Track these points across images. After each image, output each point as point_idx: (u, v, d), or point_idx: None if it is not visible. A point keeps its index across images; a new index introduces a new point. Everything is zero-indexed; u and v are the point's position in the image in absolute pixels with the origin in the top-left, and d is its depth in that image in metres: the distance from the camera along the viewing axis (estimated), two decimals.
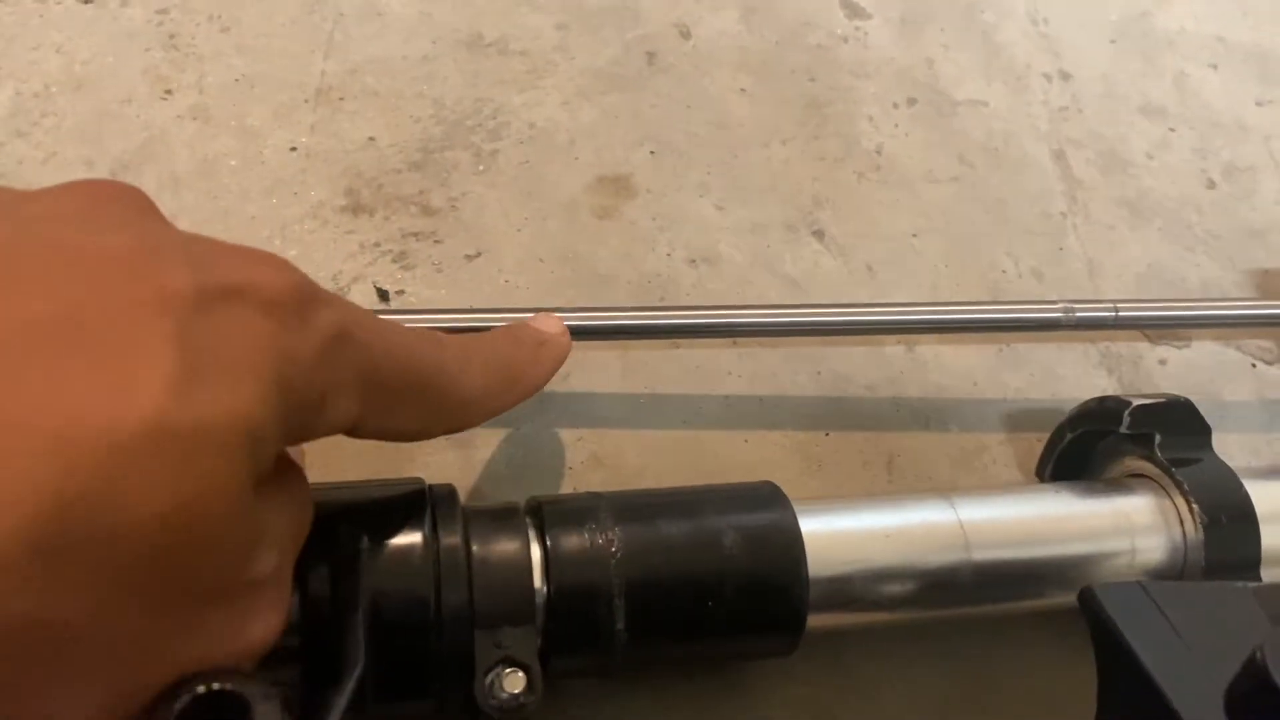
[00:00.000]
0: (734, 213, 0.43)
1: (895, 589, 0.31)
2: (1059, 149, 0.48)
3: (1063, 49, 0.51)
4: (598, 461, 0.36)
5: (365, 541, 0.27)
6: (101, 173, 0.38)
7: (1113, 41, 0.52)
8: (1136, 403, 0.34)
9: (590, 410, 0.37)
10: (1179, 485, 0.33)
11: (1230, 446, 0.41)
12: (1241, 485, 0.34)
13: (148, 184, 0.38)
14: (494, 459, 0.36)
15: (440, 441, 0.35)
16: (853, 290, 0.42)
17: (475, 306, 0.38)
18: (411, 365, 0.26)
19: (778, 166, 0.44)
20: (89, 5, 0.42)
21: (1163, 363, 0.43)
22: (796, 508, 0.31)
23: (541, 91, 0.44)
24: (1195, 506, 0.33)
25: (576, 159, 0.43)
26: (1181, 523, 0.33)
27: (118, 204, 0.22)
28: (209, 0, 0.43)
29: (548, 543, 0.29)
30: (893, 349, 0.41)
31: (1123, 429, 0.34)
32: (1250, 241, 0.47)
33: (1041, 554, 0.32)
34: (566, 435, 0.37)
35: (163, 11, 0.42)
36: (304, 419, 0.22)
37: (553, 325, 0.32)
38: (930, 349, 0.41)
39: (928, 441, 0.39)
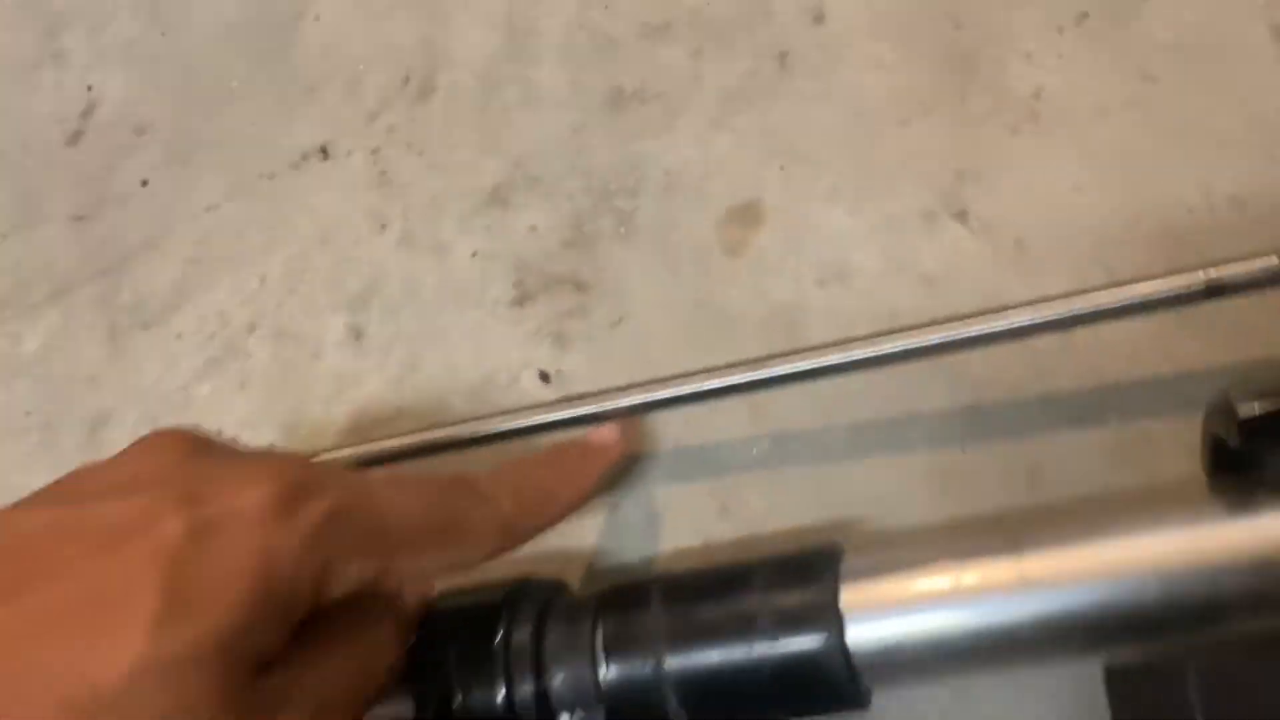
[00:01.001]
0: (867, 214, 0.41)
1: (947, 648, 0.31)
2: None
3: None
4: (725, 511, 0.39)
5: (450, 653, 0.34)
6: (340, 314, 0.48)
7: None
8: (1243, 413, 0.29)
9: (718, 459, 0.40)
10: None
11: None
12: None
13: (372, 316, 0.47)
14: (630, 521, 0.40)
15: (590, 509, 0.40)
16: (999, 276, 0.39)
17: (620, 382, 0.42)
18: (424, 516, 0.30)
19: (917, 144, 0.42)
20: (327, 162, 0.52)
21: None
22: (848, 568, 0.32)
23: (676, 133, 0.46)
24: None
25: (707, 196, 0.44)
26: None
27: (160, 453, 0.29)
28: (405, 129, 0.51)
29: (603, 632, 0.33)
30: (1044, 339, 0.37)
31: (1232, 444, 0.29)
32: None
33: (1118, 596, 0.29)
34: (696, 489, 0.40)
35: (375, 151, 0.51)
36: (309, 592, 0.27)
37: (605, 435, 0.35)
38: (1089, 329, 0.37)
39: (1078, 440, 0.36)
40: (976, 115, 0.41)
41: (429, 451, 0.41)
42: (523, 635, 0.33)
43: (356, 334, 0.47)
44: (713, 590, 0.33)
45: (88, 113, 0.58)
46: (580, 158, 0.47)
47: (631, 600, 0.33)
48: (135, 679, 0.23)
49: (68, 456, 0.49)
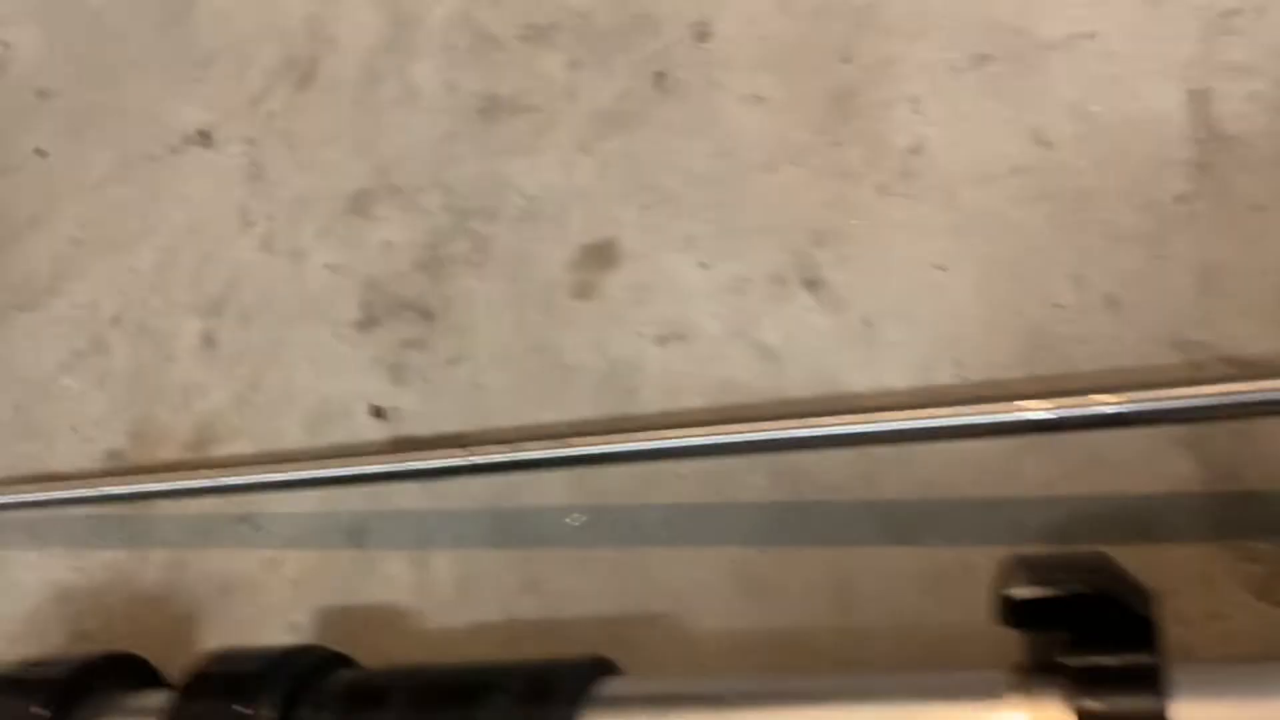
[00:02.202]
0: (718, 269, 0.37)
1: None
2: (1204, 87, 0.33)
3: None
4: (531, 586, 0.37)
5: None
6: (197, 317, 0.46)
7: None
8: (1011, 592, 0.25)
9: (531, 529, 0.37)
10: (1074, 708, 0.24)
11: None
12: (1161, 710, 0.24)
13: (225, 322, 0.45)
14: (442, 581, 0.38)
15: (399, 562, 0.38)
16: (842, 357, 0.35)
17: (450, 421, 0.40)
18: None
19: (780, 196, 0.37)
20: (207, 149, 0.49)
21: None
22: (604, 694, 0.29)
23: (542, 153, 0.42)
24: None
25: (564, 228, 0.40)
26: None
27: None
28: (284, 118, 0.48)
29: None
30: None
31: (999, 621, 0.26)
32: None
33: None
34: (508, 557, 0.37)
35: (252, 142, 0.48)
36: None
37: None
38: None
39: (894, 558, 0.32)
40: (847, 167, 0.37)
41: (238, 490, 0.40)
42: (268, 714, 0.32)
43: (209, 341, 0.45)
44: (452, 698, 0.31)
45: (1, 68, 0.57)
46: (446, 169, 0.44)
47: (376, 694, 0.32)
48: None
49: None
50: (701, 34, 0.41)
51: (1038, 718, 0.25)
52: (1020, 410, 0.29)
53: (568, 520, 0.37)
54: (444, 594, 0.38)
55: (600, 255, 0.40)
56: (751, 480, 0.35)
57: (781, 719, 0.28)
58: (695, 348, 0.37)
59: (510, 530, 0.38)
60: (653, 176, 0.40)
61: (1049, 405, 0.28)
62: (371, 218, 0.44)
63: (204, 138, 0.49)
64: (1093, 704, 0.24)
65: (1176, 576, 0.29)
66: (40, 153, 0.53)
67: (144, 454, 0.45)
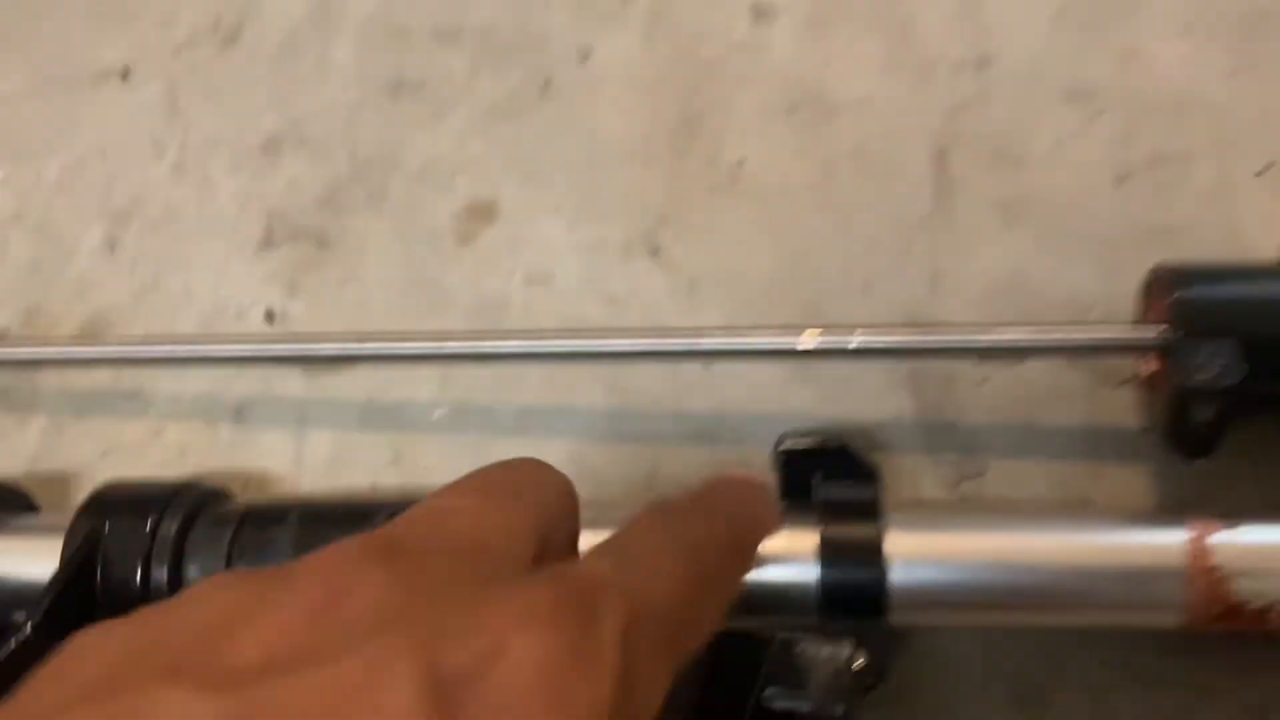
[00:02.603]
0: (578, 234, 0.47)
1: None
2: (943, 147, 0.46)
3: (990, 32, 0.48)
4: (396, 462, 0.44)
5: (104, 529, 0.38)
6: (101, 223, 0.51)
7: (1058, 15, 0.48)
8: (784, 445, 0.36)
9: (402, 417, 0.45)
10: (817, 526, 0.35)
11: (1041, 476, 0.40)
12: (878, 534, 0.34)
13: (129, 231, 0.51)
14: (317, 453, 0.45)
15: (277, 437, 0.45)
16: (669, 305, 0.45)
17: (340, 329, 0.47)
18: (687, 594, 0.23)
19: (634, 186, 0.48)
20: (125, 85, 0.55)
21: (981, 382, 0.42)
22: None
23: (440, 129, 0.51)
24: (822, 550, 0.34)
25: (453, 190, 0.49)
26: (810, 565, 0.35)
27: (348, 596, 0.19)
28: (205, 70, 0.54)
29: (240, 539, 0.38)
30: (690, 366, 0.44)
31: (776, 469, 0.36)
32: (1151, 243, 0.43)
33: None
34: (379, 438, 0.45)
35: (172, 82, 0.54)
36: None
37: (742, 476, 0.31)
38: (726, 365, 0.44)
39: (694, 455, 0.42)
40: (688, 171, 0.48)
41: (127, 362, 0.45)
42: (169, 527, 0.38)
43: (111, 245, 0.51)
44: (342, 518, 0.38)
45: None
46: (352, 131, 0.52)
47: (272, 516, 0.38)
48: None
49: None
50: (584, 56, 0.51)
51: (793, 536, 0.35)
52: (790, 339, 0.40)
53: (435, 415, 0.45)
54: (318, 464, 0.45)
55: (482, 212, 0.49)
56: (589, 390, 0.44)
57: None
58: (555, 289, 0.46)
59: (382, 417, 0.45)
60: (533, 158, 0.49)
61: (813, 337, 0.40)
62: (279, 159, 0.51)
63: (123, 74, 0.55)
64: (830, 525, 0.35)
65: (893, 475, 0.40)
66: None
67: (31, 333, 0.49)
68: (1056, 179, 0.45)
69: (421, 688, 0.17)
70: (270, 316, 0.48)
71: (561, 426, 0.44)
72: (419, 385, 0.45)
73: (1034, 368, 0.41)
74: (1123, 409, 0.40)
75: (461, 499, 0.23)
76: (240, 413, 0.46)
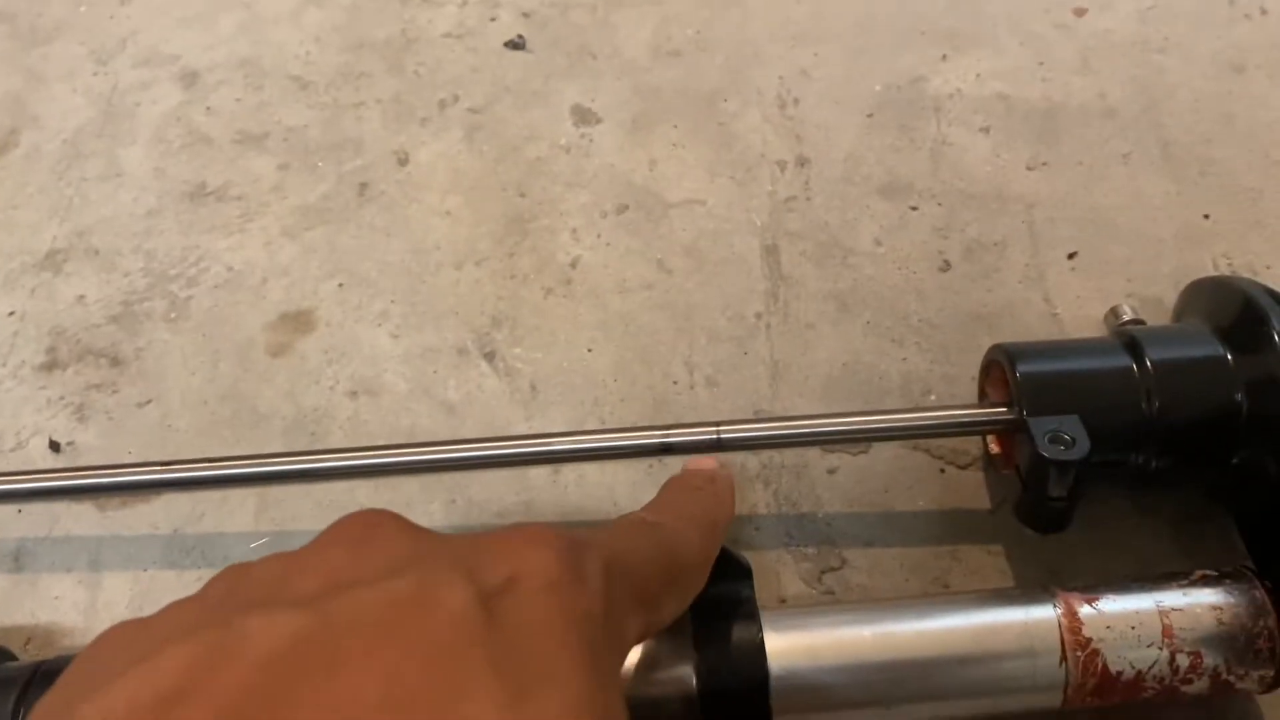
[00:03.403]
0: (408, 340, 0.45)
1: None
2: (773, 244, 0.46)
3: (807, 132, 0.50)
4: None
5: None
6: None
7: (869, 116, 0.50)
8: None
9: (216, 550, 0.40)
10: (693, 640, 0.33)
11: (900, 562, 0.39)
12: (758, 637, 0.33)
13: None
14: (115, 599, 0.39)
15: (66, 583, 0.39)
16: (510, 411, 0.43)
17: (137, 456, 0.42)
18: (656, 558, 0.28)
19: (465, 289, 0.46)
20: None
21: (832, 471, 0.41)
22: None
23: (247, 235, 0.47)
24: (701, 664, 0.32)
25: (264, 298, 0.46)
26: (690, 680, 0.32)
27: (375, 539, 0.23)
28: None
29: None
30: (537, 472, 0.41)
31: None
32: (976, 327, 0.44)
33: None
34: (189, 576, 0.40)
35: None
36: (618, 659, 0.24)
37: (708, 463, 0.35)
38: (574, 470, 0.41)
39: None
40: (520, 272, 0.46)
41: None
42: None
43: None
44: None
45: None
46: (148, 239, 0.47)
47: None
48: None
49: None
50: (402, 160, 0.49)
51: (674, 648, 0.33)
52: (641, 437, 0.38)
53: (252, 546, 0.40)
54: (115, 611, 0.39)
55: (297, 322, 0.45)
56: (429, 508, 0.41)
57: None
58: (384, 401, 0.43)
59: (192, 552, 0.40)
60: (351, 263, 0.47)
61: (660, 434, 0.38)
62: (64, 274, 0.46)
63: None
64: (708, 634, 0.33)
65: (757, 571, 0.39)
66: None
67: None
68: (882, 270, 0.45)
69: (470, 595, 0.21)
70: (56, 447, 0.42)
71: None
72: (232, 514, 0.41)
73: (880, 455, 0.41)
74: (971, 490, 0.41)
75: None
76: (19, 558, 0.40)
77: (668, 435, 0.38)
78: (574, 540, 0.24)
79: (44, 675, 0.33)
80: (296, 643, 0.20)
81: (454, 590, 0.21)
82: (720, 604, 0.33)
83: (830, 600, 0.38)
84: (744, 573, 0.34)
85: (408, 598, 0.21)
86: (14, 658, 0.35)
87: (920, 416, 0.39)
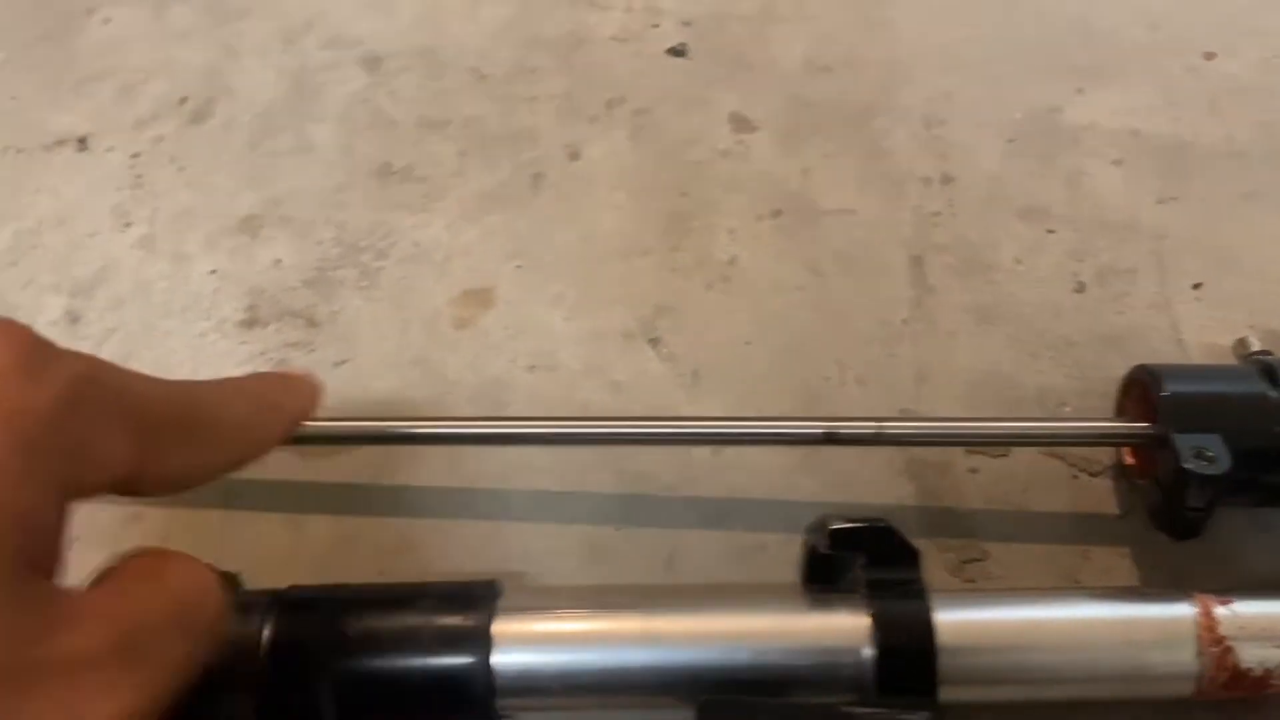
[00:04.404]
0: (580, 322, 0.48)
1: (577, 681, 0.36)
2: (918, 255, 0.50)
3: (952, 152, 0.53)
4: (406, 547, 0.43)
5: None
6: (61, 296, 0.48)
7: (1010, 141, 0.53)
8: (833, 525, 0.38)
9: (410, 502, 0.44)
10: (868, 606, 0.36)
11: (1036, 559, 0.43)
12: (929, 612, 0.36)
13: (94, 304, 0.48)
14: (317, 539, 0.43)
15: (274, 524, 0.43)
16: (672, 394, 0.46)
17: (334, 411, 0.46)
18: (170, 395, 0.28)
19: (631, 279, 0.49)
20: (83, 153, 0.53)
21: (973, 471, 0.45)
22: (504, 604, 0.37)
23: (431, 214, 0.51)
24: (875, 628, 0.36)
25: (448, 274, 0.49)
26: (864, 643, 0.36)
27: None
28: (172, 143, 0.53)
29: (271, 628, 0.36)
30: (699, 451, 0.45)
31: (821, 549, 0.38)
32: (1107, 347, 0.47)
33: (717, 658, 0.36)
34: (385, 523, 0.44)
35: (135, 155, 0.53)
36: (71, 470, 0.23)
37: (297, 369, 0.36)
38: (735, 452, 0.45)
39: (709, 538, 0.43)
40: (682, 266, 0.50)
41: None
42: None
43: (73, 318, 0.48)
44: (382, 605, 0.37)
45: None
46: (337, 211, 0.51)
47: (305, 603, 0.37)
48: None
49: None
50: (573, 155, 0.53)
51: (842, 618, 0.37)
52: (805, 425, 0.42)
53: (440, 499, 0.44)
54: (318, 551, 0.43)
55: (479, 298, 0.49)
56: (600, 477, 0.44)
57: (637, 616, 0.37)
58: (559, 376, 0.47)
59: (387, 502, 0.44)
60: (527, 247, 0.50)
61: (825, 424, 0.42)
62: (261, 239, 0.50)
63: (81, 143, 0.53)
64: (880, 603, 0.36)
65: None
66: None
67: None
68: (1021, 287, 0.49)
69: None
70: None
71: (575, 511, 0.44)
72: (422, 470, 0.44)
73: (1018, 459, 0.45)
74: (1101, 496, 0.44)
75: None
76: (228, 497, 0.44)
77: (833, 426, 0.42)
78: (47, 342, 0.24)
79: (286, 603, 0.36)
80: None
81: None
82: (893, 583, 0.37)
83: (982, 588, 0.42)
84: (914, 556, 0.38)
85: None
86: (242, 584, 0.39)
87: (1062, 426, 0.43)
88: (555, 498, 0.44)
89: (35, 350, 0.23)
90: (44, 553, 0.23)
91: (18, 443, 0.22)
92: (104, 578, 0.25)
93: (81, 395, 0.23)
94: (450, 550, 0.43)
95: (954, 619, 0.36)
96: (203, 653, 0.26)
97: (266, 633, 0.35)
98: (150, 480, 0.26)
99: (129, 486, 0.26)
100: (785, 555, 0.43)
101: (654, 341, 0.48)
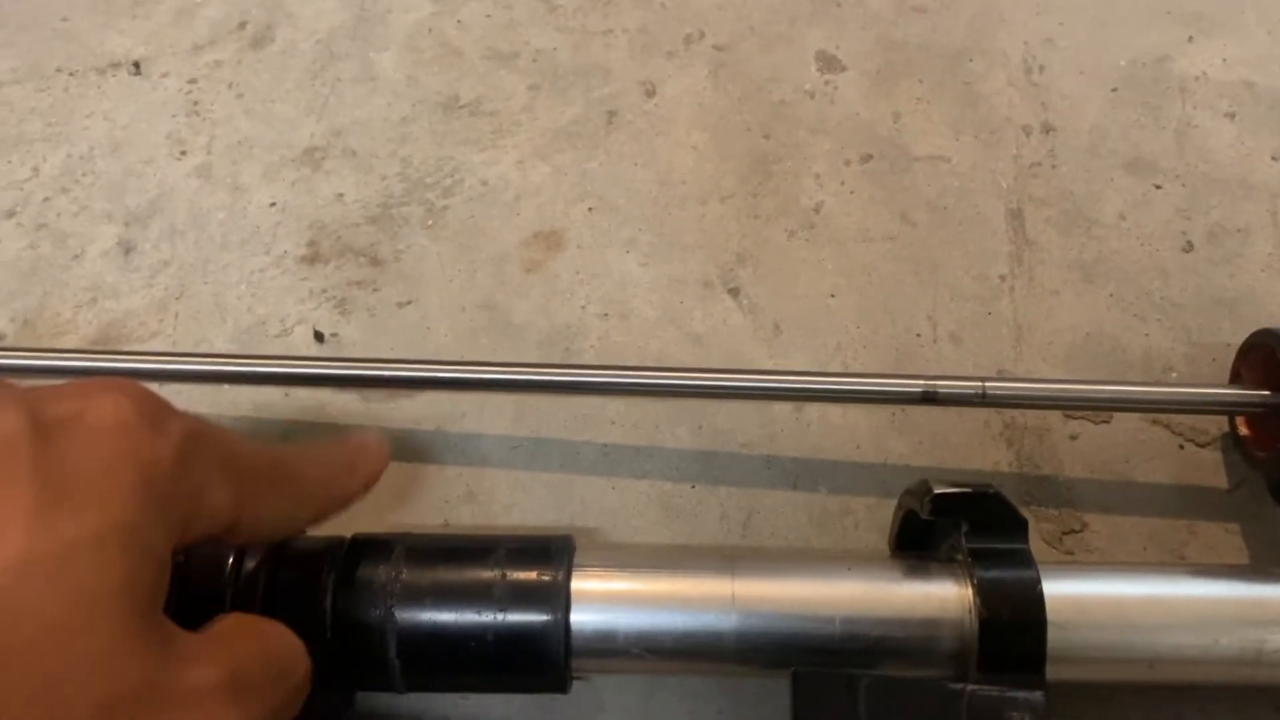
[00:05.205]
0: (656, 269, 0.46)
1: (657, 644, 0.34)
2: (1017, 207, 0.47)
3: (1053, 99, 0.50)
4: (471, 497, 0.41)
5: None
6: (114, 224, 0.46)
7: (1114, 90, 0.50)
8: (937, 490, 0.35)
9: (476, 450, 0.42)
10: (970, 576, 0.34)
11: (1137, 532, 0.40)
12: (1038, 584, 0.34)
13: (151, 234, 0.46)
14: (382, 488, 0.41)
15: None
16: (753, 348, 0.44)
17: (397, 353, 0.44)
18: (260, 453, 0.29)
19: (709, 224, 0.47)
20: (137, 77, 0.50)
21: (1074, 438, 0.42)
22: (581, 559, 0.35)
23: (500, 151, 0.49)
24: (978, 599, 0.33)
25: (518, 215, 0.47)
26: (966, 614, 0.34)
27: None
28: (230, 69, 0.50)
29: (335, 574, 0.34)
30: (780, 408, 0.43)
31: (923, 514, 0.35)
32: (1217, 311, 0.44)
33: (808, 626, 0.34)
34: (450, 471, 0.41)
35: (192, 81, 0.50)
36: (184, 512, 0.25)
37: (371, 436, 0.36)
38: (818, 410, 0.42)
39: (791, 500, 0.41)
40: (764, 213, 0.47)
41: (164, 377, 0.41)
42: (252, 564, 0.33)
43: (127, 248, 0.46)
44: (454, 555, 0.35)
45: None
46: (403, 145, 0.49)
47: (373, 550, 0.34)
48: (22, 570, 0.21)
49: None
50: (649, 91, 0.50)
51: (942, 587, 0.34)
52: (904, 384, 0.39)
53: (511, 449, 0.42)
54: (383, 499, 0.41)
55: (549, 241, 0.46)
56: (676, 431, 0.42)
57: (723, 579, 0.35)
58: (633, 325, 0.44)
59: (453, 450, 0.42)
60: (600, 188, 0.48)
61: (925, 382, 0.39)
62: (323, 171, 0.48)
63: (136, 67, 0.51)
64: (985, 574, 0.34)
65: None
66: None
67: (30, 343, 0.44)
68: (1126, 244, 0.46)
69: (23, 420, 0.23)
70: (320, 338, 0.44)
71: (649, 466, 0.41)
72: (490, 418, 0.42)
73: (1121, 426, 0.42)
74: (1210, 469, 0.41)
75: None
76: (287, 440, 0.42)
77: (933, 384, 0.39)
78: (161, 400, 0.26)
79: (352, 549, 0.34)
80: None
81: (7, 417, 0.23)
82: (998, 553, 0.34)
83: (1084, 561, 0.39)
84: (1021, 526, 0.35)
85: None
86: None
87: (1170, 392, 0.40)
88: (628, 451, 0.42)
89: (156, 406, 0.25)
90: (163, 591, 0.24)
91: (151, 491, 0.23)
92: (209, 627, 0.27)
93: (195, 449, 0.25)
94: (518, 503, 0.41)
95: (1063, 592, 0.34)
96: (293, 708, 0.28)
97: (332, 579, 0.34)
98: (244, 528, 0.28)
99: (226, 533, 0.28)
100: (873, 520, 0.40)
101: (733, 291, 0.45)
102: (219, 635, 0.27)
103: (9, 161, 0.48)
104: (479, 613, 0.33)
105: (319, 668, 0.31)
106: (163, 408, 0.26)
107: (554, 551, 0.35)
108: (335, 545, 0.35)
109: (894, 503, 0.40)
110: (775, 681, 0.33)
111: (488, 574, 0.34)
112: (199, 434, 0.26)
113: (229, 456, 0.27)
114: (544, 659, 0.33)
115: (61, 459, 0.23)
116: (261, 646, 0.28)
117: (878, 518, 0.40)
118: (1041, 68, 0.51)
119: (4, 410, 0.23)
